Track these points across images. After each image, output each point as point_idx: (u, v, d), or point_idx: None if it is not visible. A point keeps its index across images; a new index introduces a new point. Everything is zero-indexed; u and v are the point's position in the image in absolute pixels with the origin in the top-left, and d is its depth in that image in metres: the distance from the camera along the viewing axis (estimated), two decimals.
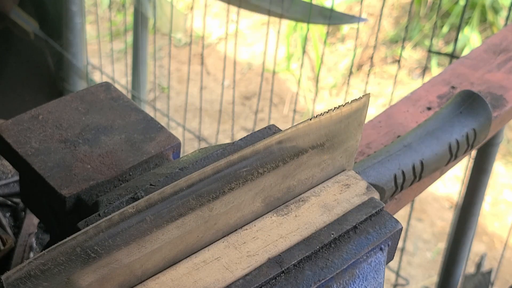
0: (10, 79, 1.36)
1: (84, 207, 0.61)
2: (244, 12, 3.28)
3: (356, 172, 0.62)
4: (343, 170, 0.62)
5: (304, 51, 2.19)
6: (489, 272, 1.56)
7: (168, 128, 0.76)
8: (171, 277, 0.51)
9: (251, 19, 3.28)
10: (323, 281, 0.53)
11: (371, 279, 0.57)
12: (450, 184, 2.60)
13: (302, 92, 2.89)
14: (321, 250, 0.55)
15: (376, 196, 0.61)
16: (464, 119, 0.74)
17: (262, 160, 0.53)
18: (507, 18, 1.55)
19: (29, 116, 0.68)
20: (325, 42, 2.90)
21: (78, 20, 1.86)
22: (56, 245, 0.45)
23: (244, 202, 0.54)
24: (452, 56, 1.71)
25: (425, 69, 2.09)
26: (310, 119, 0.55)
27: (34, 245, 0.82)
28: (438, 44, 3.05)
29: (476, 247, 2.35)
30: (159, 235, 0.49)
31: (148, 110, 2.42)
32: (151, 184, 0.57)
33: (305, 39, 2.48)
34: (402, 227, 0.59)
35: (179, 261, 0.52)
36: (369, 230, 0.57)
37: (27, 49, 1.40)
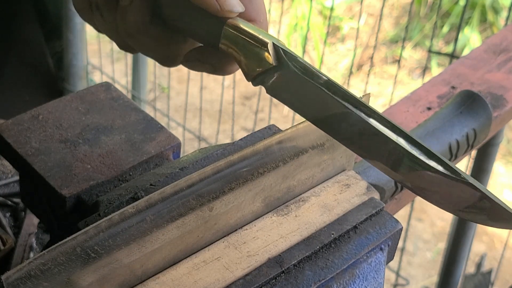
0: (10, 79, 1.36)
1: (84, 207, 0.61)
2: None
3: (356, 172, 0.62)
4: (343, 170, 0.62)
5: (304, 51, 2.19)
6: (489, 272, 1.56)
7: (168, 128, 0.76)
8: (171, 277, 0.51)
9: None
10: (323, 281, 0.53)
11: (371, 279, 0.57)
12: None
13: None
14: (321, 250, 0.55)
15: (376, 196, 0.61)
16: (464, 119, 0.74)
17: (262, 160, 0.53)
18: (507, 18, 1.55)
19: (29, 116, 0.68)
20: (325, 42, 2.90)
21: (78, 20, 1.86)
22: (56, 245, 0.45)
23: (244, 202, 0.54)
24: (452, 56, 1.71)
25: (425, 69, 2.09)
26: None
27: (34, 245, 0.82)
28: (438, 44, 3.05)
29: (476, 247, 2.35)
30: (159, 235, 0.49)
31: (148, 110, 2.42)
32: (151, 184, 0.57)
33: (305, 39, 2.48)
34: (402, 227, 0.59)
35: (179, 261, 0.52)
36: (369, 230, 0.57)
37: (27, 49, 1.40)
